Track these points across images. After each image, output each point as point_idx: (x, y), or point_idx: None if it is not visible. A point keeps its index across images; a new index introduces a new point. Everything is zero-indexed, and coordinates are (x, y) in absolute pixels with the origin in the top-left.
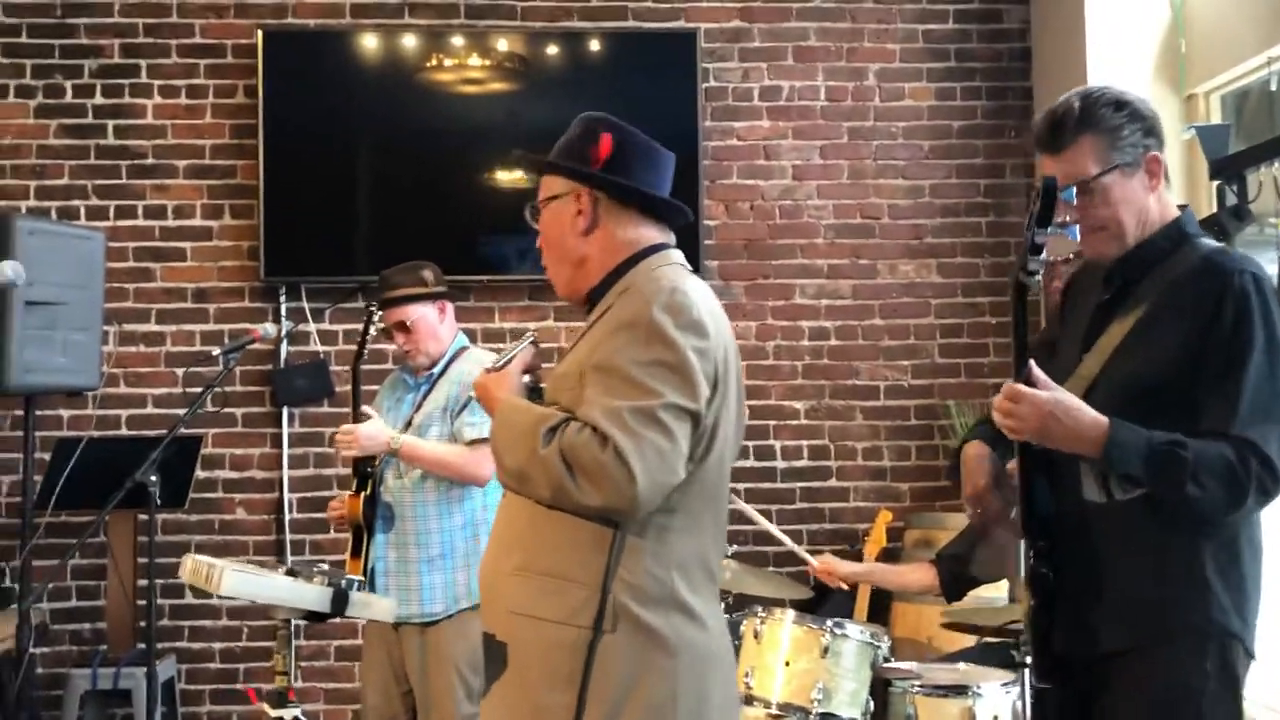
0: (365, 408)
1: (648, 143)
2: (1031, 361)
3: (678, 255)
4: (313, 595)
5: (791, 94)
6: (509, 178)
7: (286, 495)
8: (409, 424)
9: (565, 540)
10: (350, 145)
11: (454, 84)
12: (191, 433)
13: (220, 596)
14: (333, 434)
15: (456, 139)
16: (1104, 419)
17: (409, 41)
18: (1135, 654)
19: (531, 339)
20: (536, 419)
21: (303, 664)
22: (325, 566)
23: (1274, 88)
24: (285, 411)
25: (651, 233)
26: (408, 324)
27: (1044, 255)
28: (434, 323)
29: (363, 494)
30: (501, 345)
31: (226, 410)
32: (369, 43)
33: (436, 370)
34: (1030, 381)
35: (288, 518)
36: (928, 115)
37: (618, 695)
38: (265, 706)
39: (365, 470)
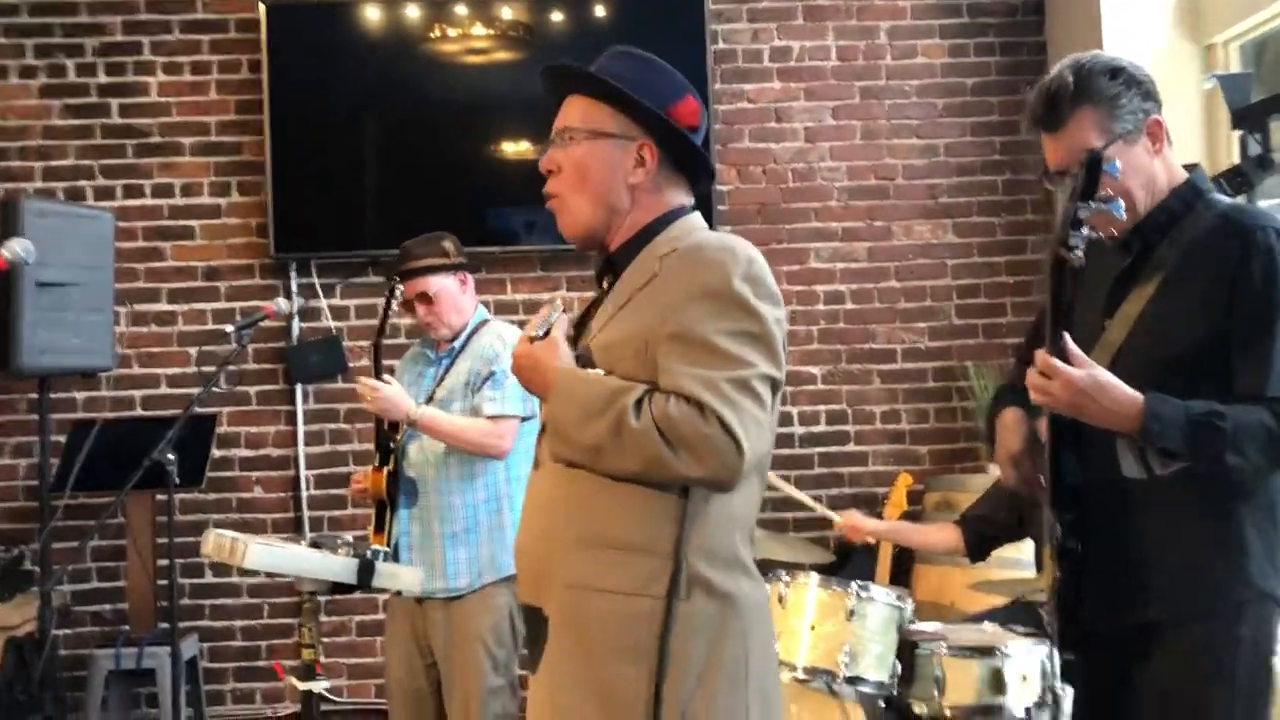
0: (387, 376)
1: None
2: (1067, 336)
3: (699, 219)
4: (338, 566)
5: (802, 54)
6: (516, 149)
7: (303, 472)
8: (431, 398)
9: (622, 510)
10: (356, 118)
11: (459, 54)
12: (206, 411)
13: (245, 570)
14: (349, 410)
15: (462, 110)
16: (1139, 395)
17: (412, 12)
18: (1169, 622)
19: (562, 307)
20: (611, 391)
21: (325, 639)
22: (349, 539)
23: None
24: (299, 388)
25: (683, 196)
26: (430, 295)
27: (1085, 230)
28: (456, 294)
29: (385, 468)
30: (515, 317)
31: (241, 388)
32: (372, 14)
33: (458, 344)
34: (1065, 356)
35: (305, 494)
36: (941, 73)
37: (697, 662)
38: (293, 680)
39: (387, 444)
